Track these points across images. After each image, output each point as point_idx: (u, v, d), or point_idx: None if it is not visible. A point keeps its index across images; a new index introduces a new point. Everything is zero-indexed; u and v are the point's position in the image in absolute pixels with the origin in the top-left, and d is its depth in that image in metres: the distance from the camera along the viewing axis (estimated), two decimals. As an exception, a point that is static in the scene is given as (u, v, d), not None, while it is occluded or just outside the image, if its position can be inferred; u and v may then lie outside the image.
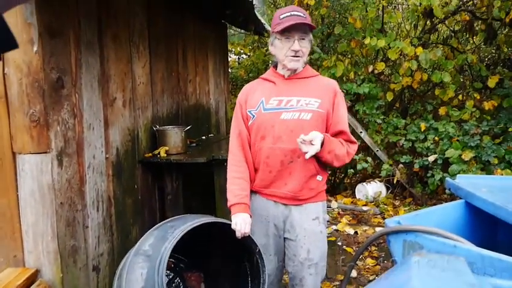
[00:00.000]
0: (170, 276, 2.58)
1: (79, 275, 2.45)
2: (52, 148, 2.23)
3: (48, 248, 2.21)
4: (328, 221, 4.74)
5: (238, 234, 1.95)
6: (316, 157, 1.90)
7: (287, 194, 1.99)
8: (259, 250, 2.03)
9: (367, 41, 5.18)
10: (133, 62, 3.04)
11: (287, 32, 1.91)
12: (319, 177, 2.02)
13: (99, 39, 2.62)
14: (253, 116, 1.99)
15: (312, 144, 1.79)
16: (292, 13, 1.91)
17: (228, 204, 2.01)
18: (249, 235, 1.99)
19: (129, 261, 2.03)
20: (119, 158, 2.85)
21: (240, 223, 1.93)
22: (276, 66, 2.08)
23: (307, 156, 1.80)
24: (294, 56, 1.93)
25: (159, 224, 2.24)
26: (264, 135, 1.96)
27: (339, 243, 4.12)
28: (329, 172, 2.05)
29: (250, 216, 1.99)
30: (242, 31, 7.72)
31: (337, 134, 1.99)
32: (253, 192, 2.08)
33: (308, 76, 2.04)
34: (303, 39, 1.93)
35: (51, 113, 2.19)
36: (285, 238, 2.07)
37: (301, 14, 1.92)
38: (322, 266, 2.08)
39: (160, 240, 2.02)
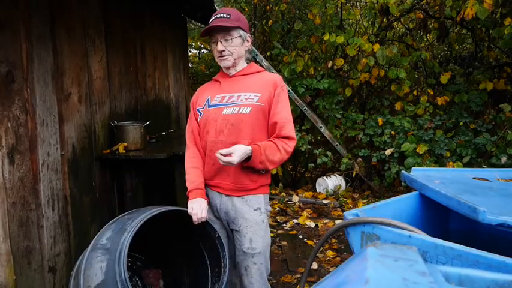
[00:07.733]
0: (128, 275, 2.52)
1: (34, 277, 2.36)
2: (3, 145, 2.13)
3: (0, 250, 2.11)
4: (289, 215, 4.81)
5: (195, 219, 1.99)
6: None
7: (230, 186, 2.04)
8: (218, 235, 2.06)
9: (326, 37, 5.26)
10: (89, 55, 2.95)
11: (211, 35, 2.03)
12: (262, 170, 2.03)
13: (52, 32, 2.52)
14: (201, 113, 2.10)
15: (231, 156, 1.86)
16: (216, 16, 2.01)
17: (187, 192, 2.07)
18: (206, 220, 2.02)
19: (86, 257, 1.97)
20: (75, 155, 2.76)
21: (196, 208, 1.99)
22: None
23: (222, 161, 1.87)
24: (220, 56, 2.03)
25: (115, 219, 2.19)
26: (208, 129, 2.05)
27: (300, 237, 4.18)
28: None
29: (208, 202, 2.05)
30: (202, 25, 7.64)
31: (273, 125, 2.03)
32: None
33: (251, 72, 2.11)
34: (227, 39, 2.01)
35: (0, 108, 2.09)
36: (232, 229, 2.11)
37: (224, 15, 1.99)
38: (266, 257, 2.09)
39: (119, 233, 1.98)
